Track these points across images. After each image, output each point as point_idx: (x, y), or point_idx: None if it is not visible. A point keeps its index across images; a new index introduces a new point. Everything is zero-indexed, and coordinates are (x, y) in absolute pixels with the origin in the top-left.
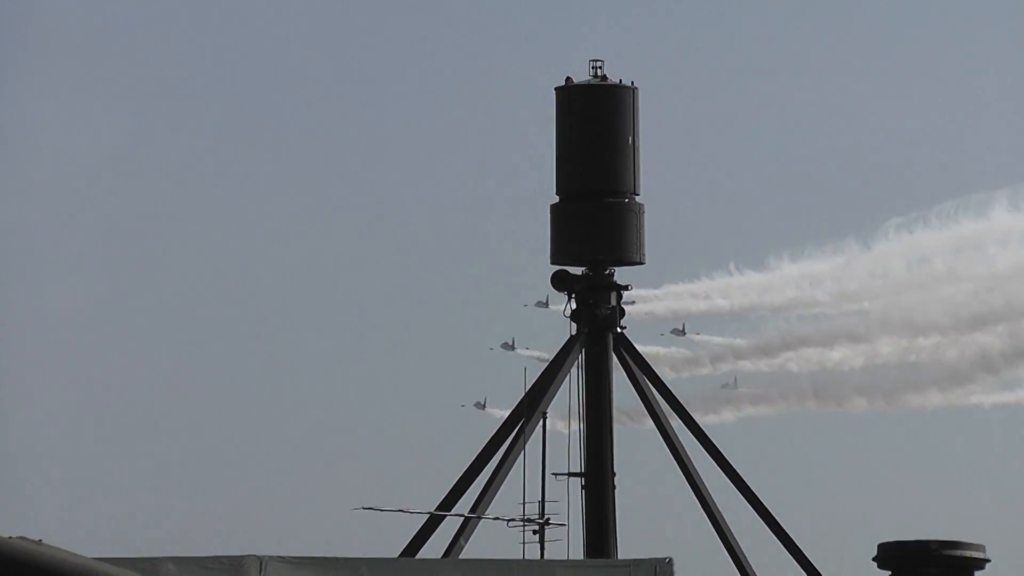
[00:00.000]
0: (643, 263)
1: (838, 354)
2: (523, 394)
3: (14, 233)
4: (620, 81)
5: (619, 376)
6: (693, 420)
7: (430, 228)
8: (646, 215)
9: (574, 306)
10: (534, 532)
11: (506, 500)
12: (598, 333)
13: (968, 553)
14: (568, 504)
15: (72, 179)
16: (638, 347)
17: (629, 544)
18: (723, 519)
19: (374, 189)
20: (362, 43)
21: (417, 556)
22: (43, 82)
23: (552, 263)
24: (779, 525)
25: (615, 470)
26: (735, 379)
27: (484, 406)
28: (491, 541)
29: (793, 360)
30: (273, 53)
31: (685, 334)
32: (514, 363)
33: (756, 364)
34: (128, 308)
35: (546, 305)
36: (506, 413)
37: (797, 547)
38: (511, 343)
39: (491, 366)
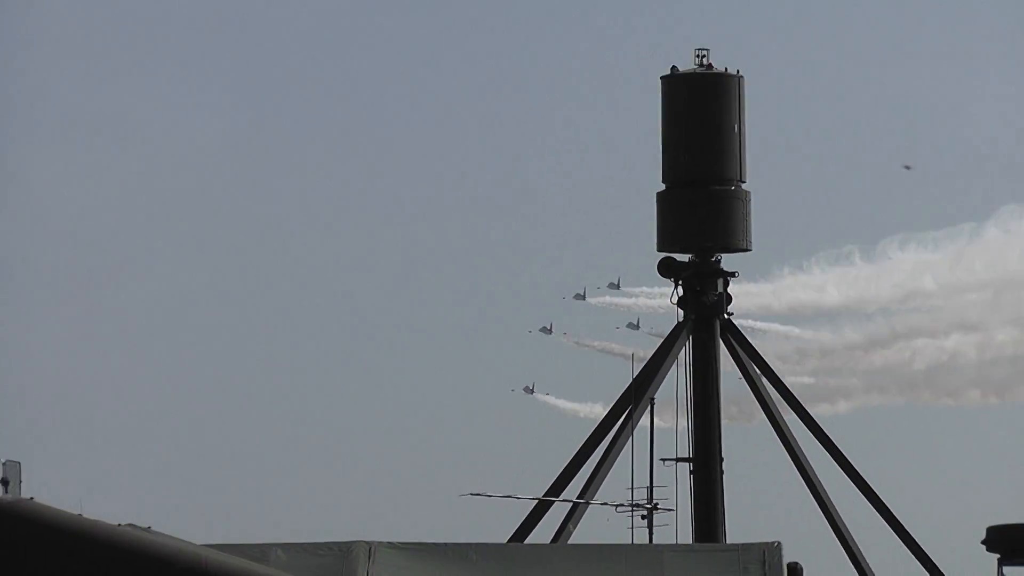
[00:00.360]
0: (749, 250)
1: (951, 344)
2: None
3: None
4: (725, 69)
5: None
6: (800, 405)
7: (538, 217)
8: (752, 202)
9: (681, 293)
10: (642, 517)
11: (614, 485)
12: (705, 320)
13: None
14: (676, 489)
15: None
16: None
17: (737, 528)
18: (832, 504)
19: (482, 177)
20: (465, 33)
21: (526, 541)
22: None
23: (659, 250)
24: (888, 509)
25: (723, 455)
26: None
27: (532, 390)
28: (599, 526)
29: (905, 351)
30: (371, 47)
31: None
32: (551, 346)
33: (868, 355)
34: (229, 299)
35: (583, 298)
36: (553, 398)
37: (906, 531)
38: (549, 328)
39: (531, 349)
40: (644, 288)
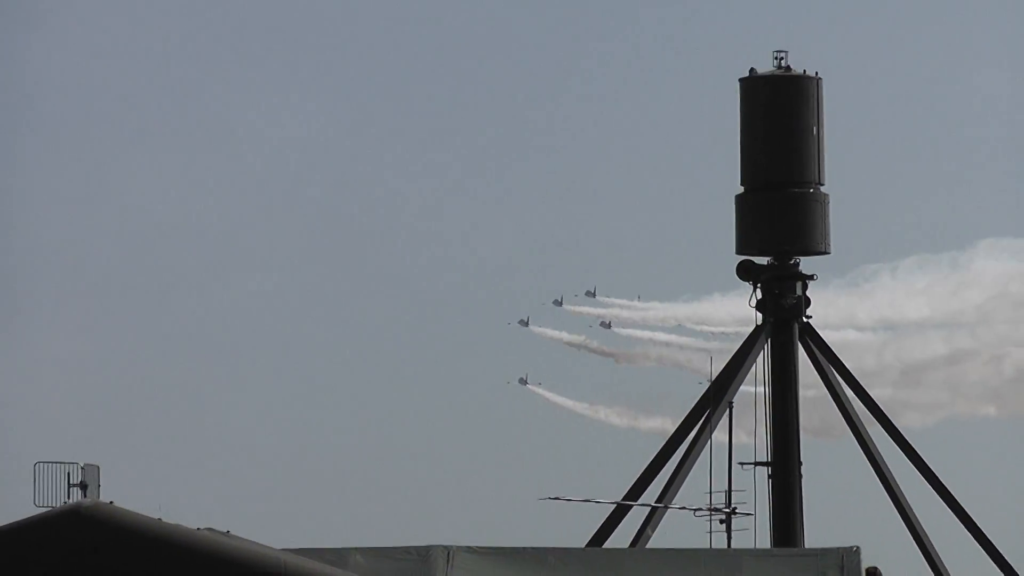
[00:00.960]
0: (828, 253)
1: None
2: (707, 383)
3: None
4: (804, 71)
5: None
6: (880, 409)
7: (617, 220)
8: (831, 205)
9: (760, 296)
10: (721, 521)
11: (693, 490)
12: (783, 323)
13: None
14: (755, 493)
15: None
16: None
17: (816, 533)
18: (911, 510)
19: (562, 182)
20: (547, 35)
21: (604, 546)
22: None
23: (737, 253)
24: (969, 517)
25: (801, 459)
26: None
27: (526, 382)
28: (678, 530)
29: (993, 360)
30: (445, 57)
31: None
32: (527, 339)
33: (953, 364)
34: (314, 313)
35: (560, 304)
36: (545, 391)
37: (987, 539)
38: (526, 320)
39: (509, 342)
40: (615, 299)
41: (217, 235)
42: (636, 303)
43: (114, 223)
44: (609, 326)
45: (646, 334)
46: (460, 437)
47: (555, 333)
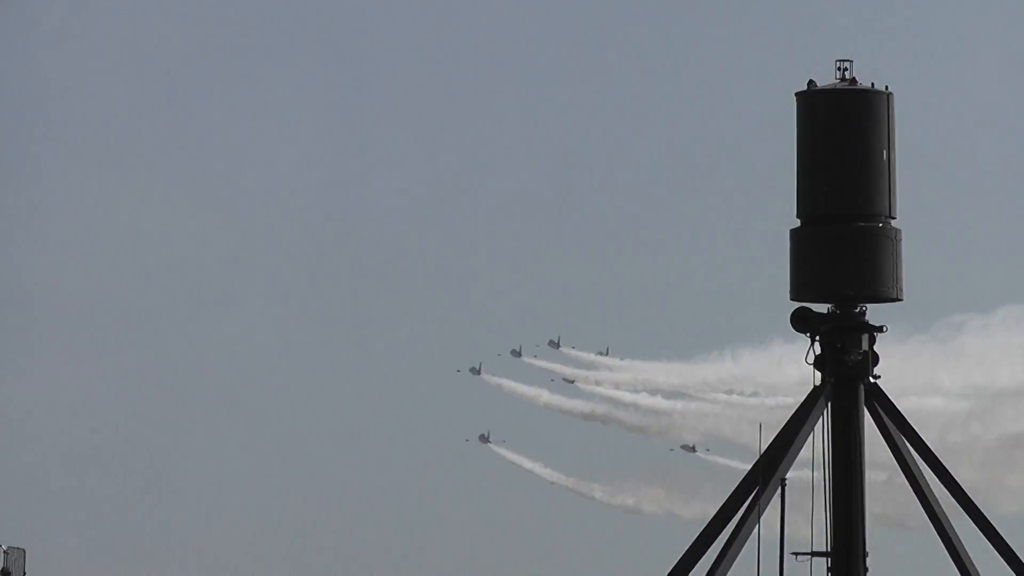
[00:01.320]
0: (900, 299)
1: None
2: (758, 454)
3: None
4: (872, 85)
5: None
6: (964, 492)
7: (656, 260)
8: (904, 242)
9: (818, 351)
10: None
11: None
12: (847, 384)
13: None
14: None
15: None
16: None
17: None
18: None
19: (602, 214)
20: (589, 58)
21: None
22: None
23: (792, 299)
24: None
25: (867, 550)
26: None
27: (488, 439)
28: None
29: None
30: (501, 85)
31: None
32: (479, 388)
33: None
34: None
35: (519, 355)
36: (507, 451)
37: None
38: (478, 368)
39: (459, 391)
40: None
41: (148, 308)
42: (661, 364)
43: (48, 293)
44: (572, 381)
45: (663, 402)
46: (460, 521)
47: (569, 402)
